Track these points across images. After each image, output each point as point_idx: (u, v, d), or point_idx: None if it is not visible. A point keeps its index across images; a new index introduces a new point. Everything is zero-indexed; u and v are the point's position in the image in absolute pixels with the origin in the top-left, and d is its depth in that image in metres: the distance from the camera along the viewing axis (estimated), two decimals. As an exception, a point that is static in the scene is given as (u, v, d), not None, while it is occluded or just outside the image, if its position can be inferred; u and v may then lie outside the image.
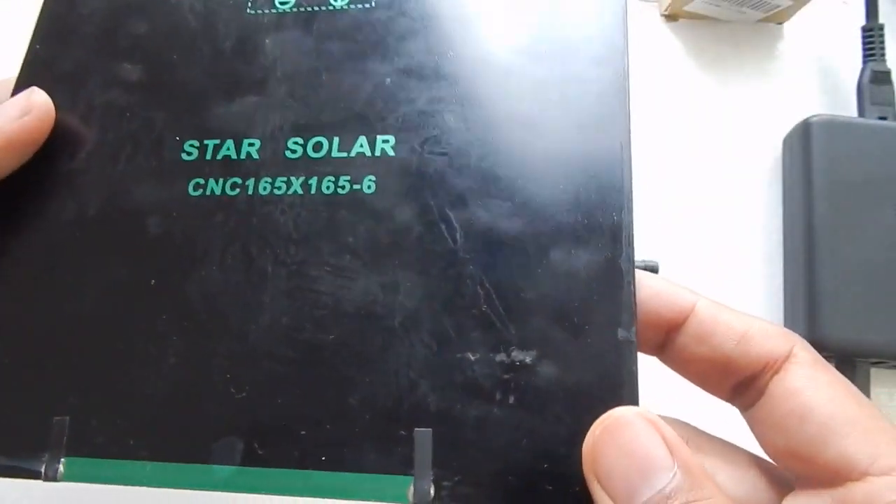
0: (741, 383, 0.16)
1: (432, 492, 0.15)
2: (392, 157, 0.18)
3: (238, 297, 0.17)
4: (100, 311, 0.18)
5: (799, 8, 0.34)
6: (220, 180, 0.18)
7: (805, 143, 0.30)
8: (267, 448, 0.16)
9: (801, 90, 0.34)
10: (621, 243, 0.16)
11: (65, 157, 0.20)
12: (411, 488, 0.15)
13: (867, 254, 0.28)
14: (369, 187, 0.18)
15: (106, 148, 0.20)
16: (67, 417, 0.17)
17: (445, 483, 0.15)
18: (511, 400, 0.15)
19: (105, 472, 0.16)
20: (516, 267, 0.16)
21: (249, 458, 0.16)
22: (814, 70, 0.35)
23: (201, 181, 0.19)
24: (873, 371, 0.28)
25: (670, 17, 0.36)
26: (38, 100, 0.20)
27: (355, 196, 0.18)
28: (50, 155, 0.20)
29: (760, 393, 0.15)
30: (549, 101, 0.18)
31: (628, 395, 0.15)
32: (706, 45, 0.35)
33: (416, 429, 0.15)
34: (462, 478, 0.15)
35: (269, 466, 0.15)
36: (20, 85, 0.21)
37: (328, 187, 0.18)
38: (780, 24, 0.36)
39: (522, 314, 0.16)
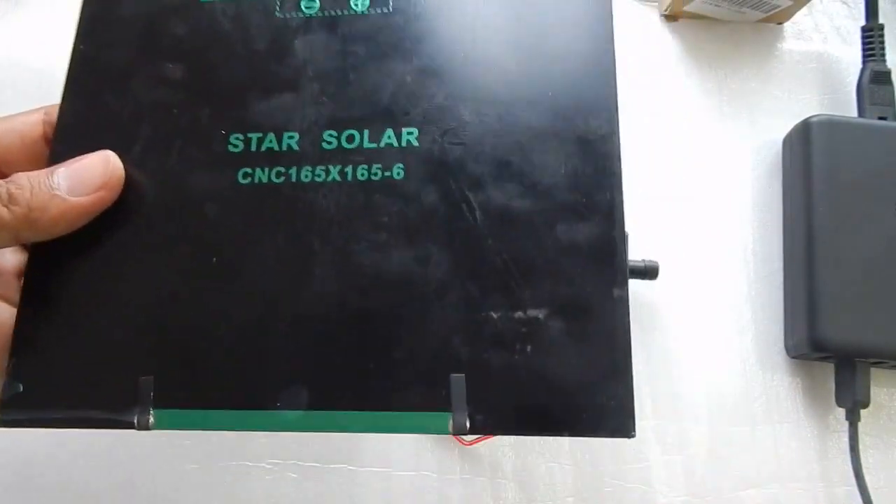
0: None
1: (468, 424, 0.18)
2: (417, 147, 0.21)
3: (292, 269, 0.20)
4: (172, 284, 0.20)
5: (799, 8, 0.34)
6: (266, 169, 0.21)
7: (805, 143, 0.30)
8: (328, 394, 0.19)
9: (801, 90, 0.35)
10: (614, 217, 0.20)
11: (119, 152, 0.22)
12: (450, 422, 0.18)
13: (867, 254, 0.28)
14: (398, 174, 0.21)
15: (158, 143, 0.22)
16: (152, 376, 0.20)
17: (478, 416, 0.18)
18: (528, 349, 0.19)
19: (189, 420, 0.19)
20: (528, 239, 0.20)
21: (313, 403, 0.19)
22: (814, 70, 0.35)
23: (249, 171, 0.21)
24: (873, 371, 0.28)
25: (670, 17, 0.36)
26: (116, 173, 0.21)
27: (387, 182, 0.21)
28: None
29: None
30: (547, 96, 0.21)
31: (622, 343, 0.18)
32: (706, 45, 0.35)
33: (452, 374, 0.19)
34: (491, 411, 0.18)
35: (331, 409, 0.19)
36: (71, 83, 0.23)
37: (363, 174, 0.21)
38: (780, 24, 0.36)
39: (535, 279, 0.19)
